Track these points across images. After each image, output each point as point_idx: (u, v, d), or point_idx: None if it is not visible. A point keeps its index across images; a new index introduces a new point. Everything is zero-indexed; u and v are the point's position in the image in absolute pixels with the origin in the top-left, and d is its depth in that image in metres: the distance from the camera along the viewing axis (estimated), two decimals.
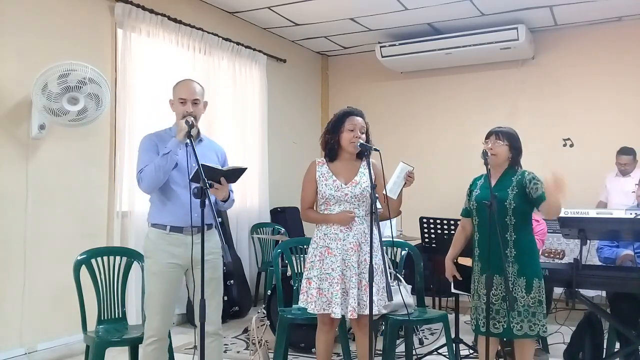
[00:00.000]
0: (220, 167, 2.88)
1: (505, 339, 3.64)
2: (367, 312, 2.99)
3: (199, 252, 2.85)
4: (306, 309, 3.16)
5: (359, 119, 3.18)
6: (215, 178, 2.82)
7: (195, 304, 2.70)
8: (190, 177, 2.74)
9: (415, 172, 3.07)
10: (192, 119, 2.89)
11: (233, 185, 3.05)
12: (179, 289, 3.05)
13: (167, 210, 2.95)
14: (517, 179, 3.15)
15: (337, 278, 3.07)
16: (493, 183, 3.16)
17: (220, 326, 3.14)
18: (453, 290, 3.86)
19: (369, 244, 3.07)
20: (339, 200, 3.15)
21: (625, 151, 5.45)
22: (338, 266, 3.08)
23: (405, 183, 3.03)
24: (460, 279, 3.43)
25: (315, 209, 3.29)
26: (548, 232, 5.06)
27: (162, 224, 2.98)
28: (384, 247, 3.05)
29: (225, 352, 4.16)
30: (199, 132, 3.08)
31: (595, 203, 5.65)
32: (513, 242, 3.11)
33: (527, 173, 3.17)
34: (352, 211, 3.13)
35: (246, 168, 2.97)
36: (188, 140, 2.81)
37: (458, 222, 4.03)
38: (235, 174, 2.91)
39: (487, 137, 3.25)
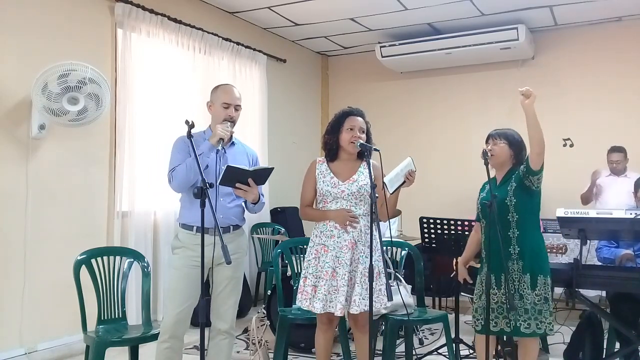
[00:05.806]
0: (247, 169, 2.90)
1: (505, 339, 3.64)
2: (359, 310, 3.01)
3: (218, 251, 2.88)
4: (307, 309, 3.15)
5: (358, 118, 3.17)
6: (243, 180, 2.87)
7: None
8: (219, 181, 2.81)
9: (415, 173, 3.06)
10: (192, 120, 2.91)
11: (263, 188, 3.14)
12: (198, 290, 2.96)
13: (195, 211, 2.94)
14: (515, 174, 3.13)
15: (325, 273, 3.07)
16: (498, 184, 3.17)
17: (234, 326, 3.15)
18: (462, 294, 3.85)
19: (366, 243, 3.07)
20: (335, 197, 3.14)
21: (617, 149, 5.45)
22: (327, 262, 3.08)
23: (405, 182, 3.02)
24: (471, 282, 3.43)
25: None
26: (548, 232, 5.06)
27: (189, 224, 3.03)
28: (384, 247, 3.04)
29: None
30: (231, 136, 3.15)
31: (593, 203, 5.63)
32: (516, 239, 3.08)
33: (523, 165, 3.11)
34: (350, 210, 3.11)
35: (272, 168, 3.04)
36: (220, 147, 2.91)
37: (458, 222, 4.05)
38: (262, 174, 2.98)
39: (486, 141, 3.25)
